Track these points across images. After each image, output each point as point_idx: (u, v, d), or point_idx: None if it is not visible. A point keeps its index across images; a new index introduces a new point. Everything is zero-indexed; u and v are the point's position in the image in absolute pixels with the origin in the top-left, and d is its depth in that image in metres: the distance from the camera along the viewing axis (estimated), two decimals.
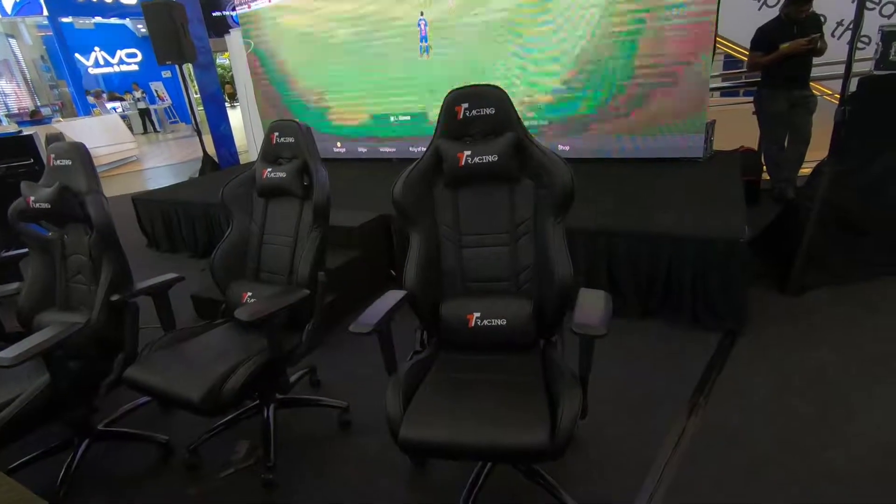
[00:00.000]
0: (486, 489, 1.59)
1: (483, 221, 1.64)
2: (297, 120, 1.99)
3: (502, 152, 1.53)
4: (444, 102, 1.58)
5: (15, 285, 1.98)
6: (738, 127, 4.33)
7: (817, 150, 3.86)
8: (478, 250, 1.65)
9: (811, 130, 3.81)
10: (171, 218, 4.23)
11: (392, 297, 1.50)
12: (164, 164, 9.72)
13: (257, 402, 1.97)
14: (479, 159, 1.54)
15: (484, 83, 1.55)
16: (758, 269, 2.80)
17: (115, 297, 1.76)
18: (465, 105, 1.55)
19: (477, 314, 1.56)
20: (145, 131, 14.70)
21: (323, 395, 2.26)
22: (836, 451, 1.70)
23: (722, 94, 4.47)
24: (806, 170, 3.95)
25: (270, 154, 2.03)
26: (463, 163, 1.55)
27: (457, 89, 1.56)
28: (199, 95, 7.22)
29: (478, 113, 1.56)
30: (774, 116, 3.81)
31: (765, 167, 4.10)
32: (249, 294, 1.93)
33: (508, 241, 1.62)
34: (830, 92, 4.69)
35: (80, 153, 1.81)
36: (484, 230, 1.64)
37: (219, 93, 6.94)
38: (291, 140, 1.97)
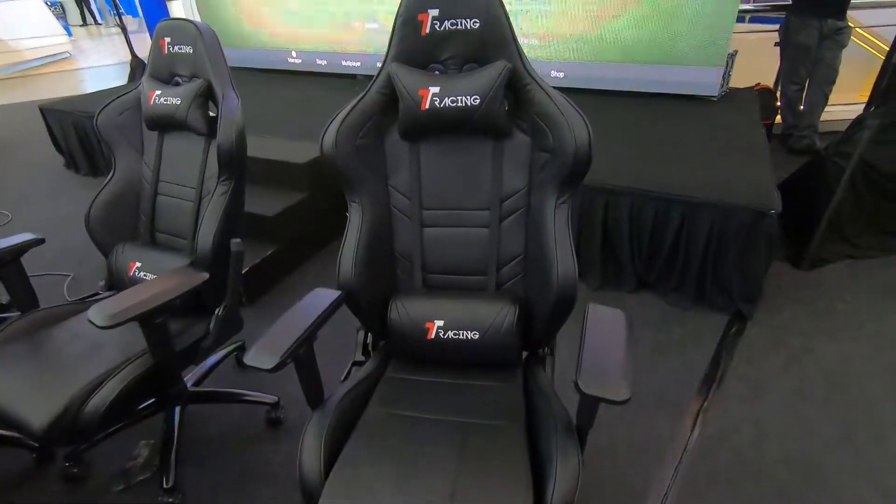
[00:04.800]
0: None
1: (455, 190, 1.15)
2: (198, 22, 1.39)
3: (487, 92, 1.01)
4: (400, 5, 1.02)
5: None
6: (754, 60, 3.78)
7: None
8: (446, 231, 1.17)
9: (839, 69, 3.32)
10: (88, 134, 3.54)
11: (318, 300, 1.04)
12: (104, 63, 8.52)
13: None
14: (452, 101, 1.02)
15: None
16: None
17: None
18: (434, 12, 1.00)
19: (439, 323, 1.12)
20: (84, 23, 12.91)
21: (253, 378, 1.86)
22: (862, 482, 1.41)
23: (750, 21, 3.84)
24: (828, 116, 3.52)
25: (162, 69, 1.45)
26: (427, 104, 1.03)
27: None
28: None
29: (454, 27, 1.01)
30: (801, 49, 3.29)
31: (779, 109, 3.64)
32: (138, 265, 1.44)
33: (489, 221, 1.15)
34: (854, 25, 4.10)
35: None
36: (455, 203, 1.16)
37: None
38: (189, 50, 1.38)
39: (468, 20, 1.00)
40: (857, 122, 2.39)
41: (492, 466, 0.93)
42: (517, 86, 1.03)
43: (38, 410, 1.11)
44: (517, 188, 1.11)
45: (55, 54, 8.49)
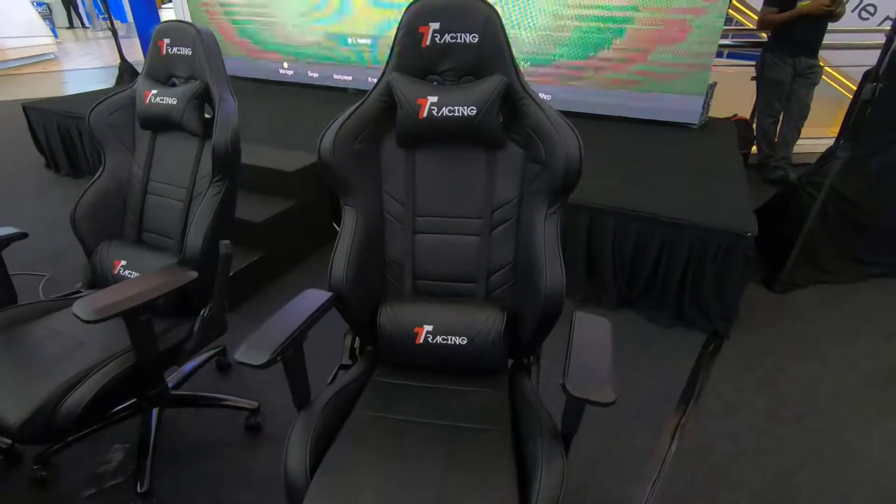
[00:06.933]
0: None
1: (448, 198, 1.18)
2: (199, 25, 1.41)
3: (484, 104, 1.05)
4: (402, 18, 1.06)
5: None
6: (731, 93, 3.94)
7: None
8: (437, 237, 1.20)
9: (811, 105, 3.49)
10: (71, 134, 3.49)
11: (309, 300, 1.05)
12: (89, 66, 8.43)
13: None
14: (450, 111, 1.06)
15: None
16: None
17: None
18: (435, 26, 1.04)
19: (428, 328, 1.14)
20: (71, 25, 12.78)
21: (233, 383, 1.84)
22: (833, 500, 1.45)
23: (728, 56, 4.02)
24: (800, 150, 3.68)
25: (159, 69, 1.46)
26: (425, 113, 1.07)
27: None
28: None
29: (453, 40, 1.05)
30: (776, 85, 3.45)
31: (755, 140, 3.79)
32: (124, 263, 1.42)
33: (480, 230, 1.18)
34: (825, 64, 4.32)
35: None
36: (448, 211, 1.18)
37: None
38: (188, 52, 1.40)
39: (467, 34, 1.05)
40: (828, 154, 2.51)
41: (478, 470, 0.94)
42: (512, 99, 1.07)
43: (13, 406, 1.08)
44: (508, 198, 1.15)
45: (39, 55, 8.39)
